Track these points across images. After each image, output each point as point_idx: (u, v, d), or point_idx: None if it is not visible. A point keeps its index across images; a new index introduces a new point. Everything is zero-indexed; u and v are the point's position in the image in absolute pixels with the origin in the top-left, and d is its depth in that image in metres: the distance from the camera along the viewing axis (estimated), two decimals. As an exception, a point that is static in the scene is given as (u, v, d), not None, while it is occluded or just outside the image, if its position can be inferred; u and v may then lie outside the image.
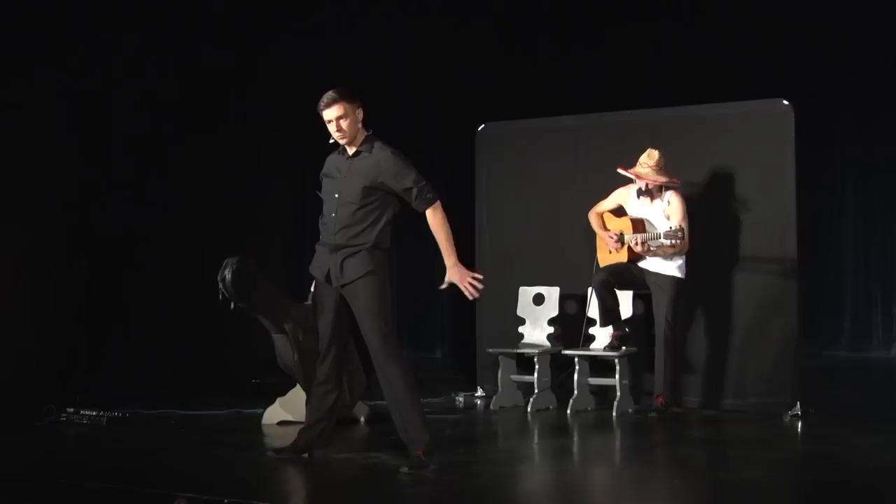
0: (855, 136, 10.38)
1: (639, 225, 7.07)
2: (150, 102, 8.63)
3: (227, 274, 6.09)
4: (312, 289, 5.55)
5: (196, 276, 6.33)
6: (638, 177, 7.01)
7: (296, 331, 6.43)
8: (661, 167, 7.01)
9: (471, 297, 5.10)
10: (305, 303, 6.44)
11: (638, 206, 7.15)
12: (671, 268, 7.00)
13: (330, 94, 5.24)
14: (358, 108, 5.28)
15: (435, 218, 5.19)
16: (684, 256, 7.01)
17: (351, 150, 5.33)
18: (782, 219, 7.12)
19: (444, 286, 5.21)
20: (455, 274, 5.12)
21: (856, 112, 10.28)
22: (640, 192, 7.09)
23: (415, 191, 5.18)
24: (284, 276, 9.56)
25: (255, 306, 6.34)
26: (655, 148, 7.02)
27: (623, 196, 7.25)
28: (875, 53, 9.84)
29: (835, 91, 10.06)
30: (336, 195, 5.30)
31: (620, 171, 7.13)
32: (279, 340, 6.52)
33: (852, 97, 10.21)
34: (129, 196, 8.61)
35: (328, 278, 5.28)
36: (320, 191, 5.43)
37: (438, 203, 5.20)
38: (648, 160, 7.01)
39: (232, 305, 6.16)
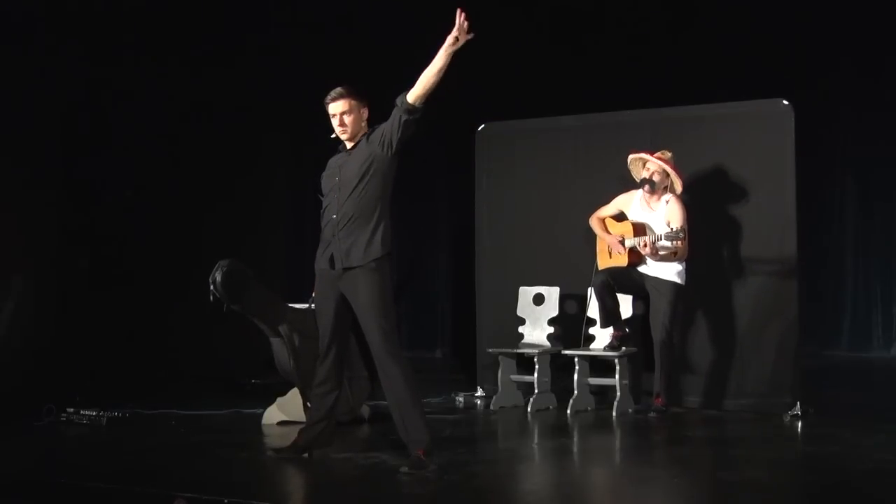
0: (855, 136, 10.37)
1: (640, 229, 7.08)
2: (150, 101, 8.63)
3: (218, 275, 6.09)
4: (314, 293, 5.56)
5: (196, 276, 6.33)
6: (656, 157, 7.02)
7: (291, 335, 6.43)
8: (672, 166, 7.05)
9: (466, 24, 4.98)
10: (304, 306, 6.44)
11: (639, 212, 7.16)
12: (671, 273, 7.01)
13: (338, 90, 5.34)
14: (363, 107, 5.38)
15: (418, 90, 5.09)
16: (684, 263, 7.02)
17: (350, 146, 5.38)
18: (782, 219, 7.13)
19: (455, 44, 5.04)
20: (450, 43, 5.00)
21: (856, 112, 10.27)
22: (643, 182, 7.07)
23: (398, 119, 5.15)
24: (284, 276, 9.59)
25: (248, 309, 6.34)
26: (669, 151, 7.11)
27: (625, 202, 7.27)
28: (875, 53, 9.83)
29: (835, 91, 10.06)
30: (336, 178, 5.35)
31: (633, 154, 7.15)
32: (276, 344, 6.52)
33: (852, 97, 10.20)
34: (130, 196, 8.61)
35: (332, 264, 5.28)
36: (321, 194, 5.44)
37: (409, 103, 5.12)
38: (662, 155, 7.06)
39: (224, 308, 6.16)
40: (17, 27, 7.64)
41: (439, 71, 5.07)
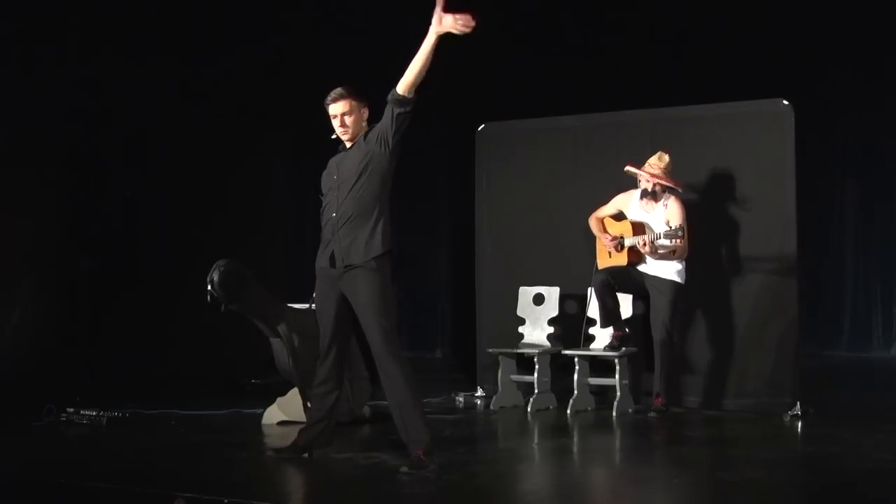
0: (855, 136, 10.38)
1: (639, 228, 7.08)
2: (150, 101, 8.63)
3: (215, 275, 6.11)
4: (315, 293, 5.56)
5: (196, 276, 6.34)
6: (651, 175, 7.02)
7: (290, 335, 6.43)
8: (669, 171, 7.04)
9: (469, 28, 4.88)
10: (304, 306, 6.43)
11: (638, 212, 7.16)
12: (671, 272, 7.00)
13: (338, 90, 5.34)
14: (364, 107, 5.37)
15: (408, 79, 5.06)
16: (684, 262, 7.02)
17: (349, 146, 5.39)
18: (782, 219, 7.13)
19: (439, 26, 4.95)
20: (442, 25, 4.91)
21: (856, 111, 10.28)
22: (643, 194, 7.09)
23: (392, 113, 5.14)
24: (285, 276, 9.59)
25: (246, 309, 6.34)
26: (666, 152, 7.08)
27: (624, 201, 7.27)
28: (875, 52, 9.84)
29: (835, 91, 10.06)
30: (335, 177, 5.36)
31: (629, 168, 7.15)
32: (276, 344, 6.53)
33: (852, 97, 10.21)
34: (129, 196, 8.61)
35: (332, 262, 5.28)
36: (321, 193, 5.45)
37: (399, 95, 5.10)
38: (659, 162, 7.05)
39: (222, 308, 6.17)
40: (17, 29, 7.64)
41: (426, 57, 5.03)
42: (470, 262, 8.39)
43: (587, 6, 9.78)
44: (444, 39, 5.00)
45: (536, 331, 7.63)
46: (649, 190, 7.06)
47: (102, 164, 8.47)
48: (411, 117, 5.17)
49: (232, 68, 9.19)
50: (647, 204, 7.12)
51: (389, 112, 5.17)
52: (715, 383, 7.27)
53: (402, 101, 5.12)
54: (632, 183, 7.26)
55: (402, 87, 5.10)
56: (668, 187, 7.07)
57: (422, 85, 5.10)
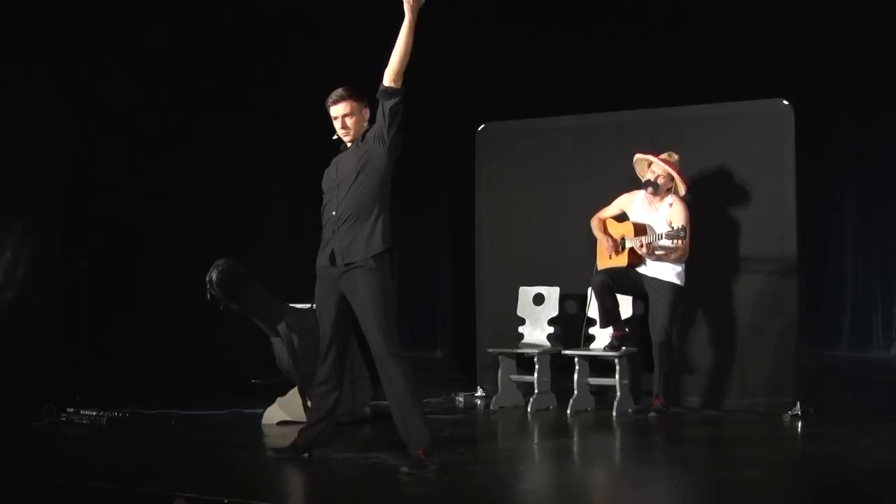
0: (855, 136, 10.37)
1: (640, 229, 7.08)
2: (150, 102, 8.62)
3: (214, 274, 6.13)
4: (315, 294, 5.56)
5: (196, 277, 6.35)
6: (664, 161, 7.02)
7: (290, 334, 6.44)
8: (678, 170, 7.05)
9: None
10: (306, 306, 6.43)
11: (641, 213, 7.16)
12: (671, 274, 7.00)
13: (339, 92, 5.33)
14: (365, 107, 5.38)
15: (393, 67, 5.09)
16: (684, 264, 7.02)
17: (350, 146, 5.39)
18: (782, 219, 7.13)
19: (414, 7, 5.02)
20: (409, 8, 5.00)
21: (856, 112, 10.27)
22: (647, 183, 7.07)
23: (383, 108, 5.16)
24: (284, 276, 9.58)
25: (245, 308, 6.35)
26: (676, 153, 7.11)
27: (626, 202, 7.27)
28: (875, 52, 9.83)
29: (835, 91, 10.05)
30: (334, 175, 5.37)
31: (639, 155, 7.15)
32: (277, 343, 6.53)
33: (852, 97, 10.20)
34: (130, 196, 8.61)
35: (332, 261, 5.28)
36: (322, 191, 5.46)
37: (387, 87, 5.12)
38: (669, 157, 7.06)
39: (221, 306, 6.17)
40: (17, 26, 7.64)
41: (406, 41, 5.05)
42: (470, 262, 8.39)
43: (587, 6, 9.77)
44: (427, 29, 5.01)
45: (536, 331, 7.63)
46: (652, 180, 7.05)
47: (103, 165, 8.46)
48: (403, 108, 5.16)
49: (232, 68, 9.18)
50: (651, 204, 7.11)
51: (381, 107, 5.18)
52: (715, 383, 7.27)
53: (390, 92, 5.12)
54: (633, 183, 7.27)
55: (388, 77, 5.12)
56: (669, 189, 7.07)
57: (410, 75, 5.11)
